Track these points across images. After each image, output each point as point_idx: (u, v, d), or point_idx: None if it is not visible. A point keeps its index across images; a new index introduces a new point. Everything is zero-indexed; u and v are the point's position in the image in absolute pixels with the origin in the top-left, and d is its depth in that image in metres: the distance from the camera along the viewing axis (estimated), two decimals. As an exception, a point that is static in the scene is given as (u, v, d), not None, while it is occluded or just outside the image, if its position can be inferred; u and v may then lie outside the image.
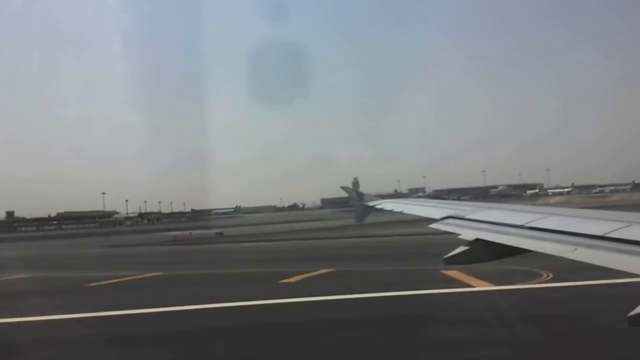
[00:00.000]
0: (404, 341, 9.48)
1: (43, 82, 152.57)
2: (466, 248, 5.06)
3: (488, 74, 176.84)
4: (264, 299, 13.21)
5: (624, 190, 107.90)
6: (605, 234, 3.77)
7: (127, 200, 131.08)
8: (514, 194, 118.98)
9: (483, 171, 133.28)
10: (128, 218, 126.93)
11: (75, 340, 10.69)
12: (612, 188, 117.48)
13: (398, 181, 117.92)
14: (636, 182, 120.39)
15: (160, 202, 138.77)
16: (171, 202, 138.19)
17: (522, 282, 13.60)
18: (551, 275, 14.27)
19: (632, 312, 3.06)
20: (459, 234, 5.38)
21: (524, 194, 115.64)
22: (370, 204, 10.99)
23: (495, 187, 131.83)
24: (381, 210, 10.43)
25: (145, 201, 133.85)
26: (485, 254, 4.93)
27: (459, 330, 9.65)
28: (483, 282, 14.25)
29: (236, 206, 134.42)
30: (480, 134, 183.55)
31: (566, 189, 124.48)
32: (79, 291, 19.01)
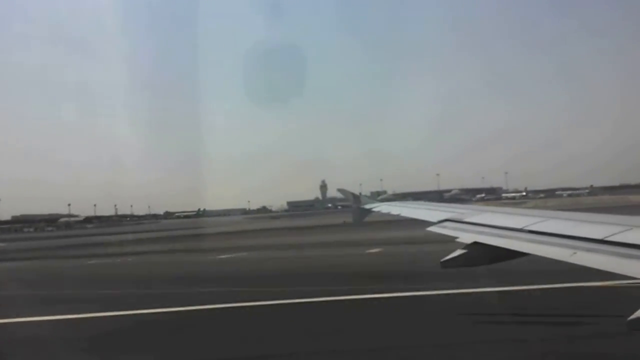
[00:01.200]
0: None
1: (39, 82, 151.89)
2: (464, 251, 5.04)
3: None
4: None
5: (581, 194, 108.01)
6: (604, 237, 3.76)
7: (69, 204, 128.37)
8: (465, 198, 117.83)
9: (437, 174, 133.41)
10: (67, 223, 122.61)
11: None
12: (570, 192, 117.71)
13: (360, 184, 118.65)
14: (594, 186, 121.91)
15: (131, 206, 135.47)
16: (115, 205, 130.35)
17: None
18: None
19: (632, 316, 3.04)
20: (457, 237, 5.36)
21: (473, 199, 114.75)
22: (367, 206, 10.97)
23: (449, 190, 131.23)
24: (378, 212, 10.41)
25: (95, 204, 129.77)
26: (483, 257, 4.92)
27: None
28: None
29: (198, 209, 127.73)
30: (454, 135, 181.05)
31: (520, 193, 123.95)
32: None
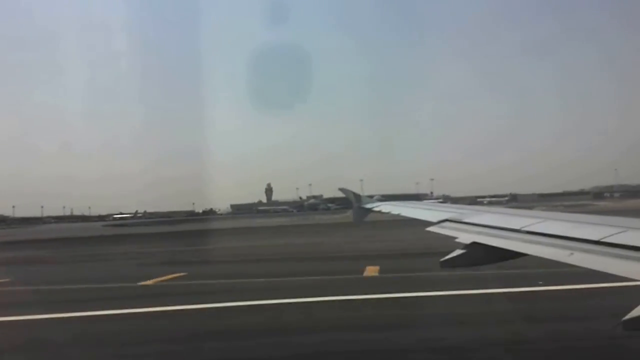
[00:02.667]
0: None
1: (40, 77, 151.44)
2: (463, 251, 5.10)
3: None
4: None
5: (501, 203, 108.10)
6: (601, 238, 3.81)
7: (13, 206, 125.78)
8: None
9: (361, 180, 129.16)
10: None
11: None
12: (489, 199, 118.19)
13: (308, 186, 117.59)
14: (513, 193, 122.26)
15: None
16: (64, 207, 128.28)
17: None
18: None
19: (627, 316, 3.09)
20: (456, 237, 5.42)
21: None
22: (368, 206, 11.02)
23: (372, 196, 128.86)
24: (378, 212, 10.47)
25: (42, 206, 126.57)
26: (482, 257, 4.97)
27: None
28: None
29: (136, 211, 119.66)
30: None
31: (438, 200, 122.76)
32: None
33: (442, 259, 5.16)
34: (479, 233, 5.22)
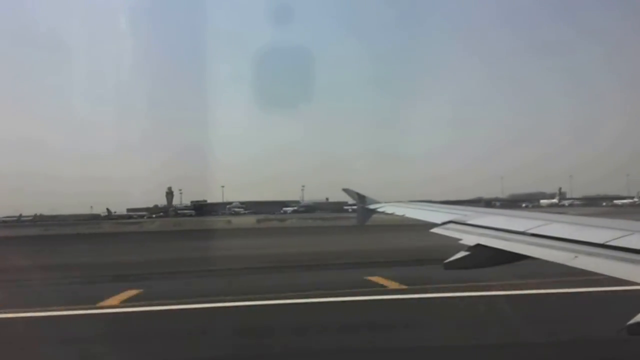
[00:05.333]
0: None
1: (41, 76, 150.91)
2: (467, 253, 5.09)
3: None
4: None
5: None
6: (606, 242, 3.80)
7: None
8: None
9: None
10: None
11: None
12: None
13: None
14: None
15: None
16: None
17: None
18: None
19: (632, 321, 3.07)
20: (460, 239, 5.41)
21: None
22: (372, 206, 11.00)
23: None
24: (382, 213, 10.46)
25: None
26: (486, 259, 4.97)
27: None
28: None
29: (35, 214, 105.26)
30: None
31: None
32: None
33: (446, 261, 5.16)
34: (483, 235, 5.22)
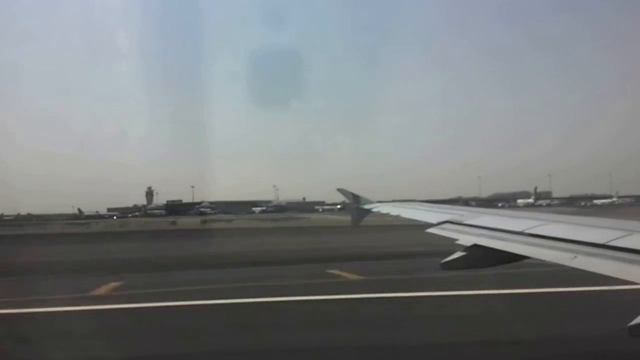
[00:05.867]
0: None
1: (36, 76, 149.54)
2: (463, 254, 5.03)
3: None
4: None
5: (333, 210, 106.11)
6: (606, 242, 3.75)
7: None
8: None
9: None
10: None
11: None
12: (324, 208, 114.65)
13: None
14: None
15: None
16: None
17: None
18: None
19: (633, 322, 3.03)
20: (457, 239, 5.35)
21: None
22: (366, 207, 10.94)
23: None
24: (377, 213, 10.39)
25: None
26: (482, 259, 4.91)
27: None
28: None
29: (17, 213, 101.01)
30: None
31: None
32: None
33: (443, 261, 5.09)
34: (480, 235, 5.16)
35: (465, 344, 8.74)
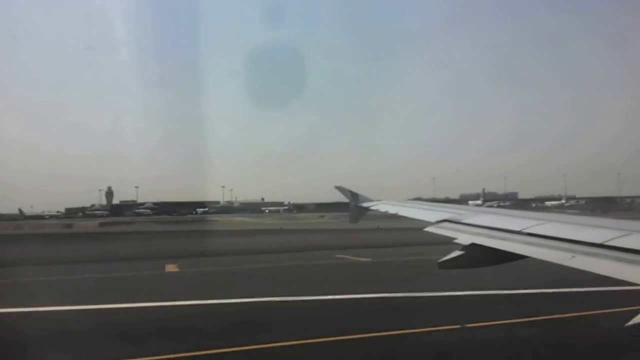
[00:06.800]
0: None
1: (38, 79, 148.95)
2: (461, 253, 5.00)
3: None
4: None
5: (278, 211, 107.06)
6: (604, 242, 3.74)
7: None
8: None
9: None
10: None
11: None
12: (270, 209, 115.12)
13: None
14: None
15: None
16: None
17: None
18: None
19: (630, 322, 3.02)
20: (455, 238, 5.32)
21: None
22: (365, 205, 10.90)
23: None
24: (376, 211, 10.36)
25: None
26: (481, 259, 4.88)
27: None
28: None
29: None
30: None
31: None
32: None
33: (440, 260, 5.07)
34: (478, 234, 5.13)
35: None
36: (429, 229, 6.30)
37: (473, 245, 4.95)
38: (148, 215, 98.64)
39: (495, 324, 10.04)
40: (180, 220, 77.30)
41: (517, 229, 4.75)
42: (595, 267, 3.59)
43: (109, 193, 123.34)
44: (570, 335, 9.30)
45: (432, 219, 6.46)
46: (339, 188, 12.23)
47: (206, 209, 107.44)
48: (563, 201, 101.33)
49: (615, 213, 60.79)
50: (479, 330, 9.66)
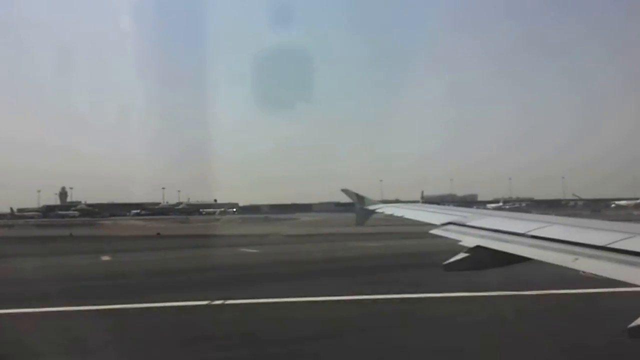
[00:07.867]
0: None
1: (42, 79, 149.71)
2: (466, 255, 5.05)
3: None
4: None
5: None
6: (608, 244, 3.77)
7: None
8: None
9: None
10: None
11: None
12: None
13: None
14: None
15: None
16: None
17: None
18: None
19: (633, 324, 3.05)
20: (460, 240, 5.37)
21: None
22: (371, 207, 10.96)
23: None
24: (381, 214, 10.40)
25: None
26: (486, 261, 4.93)
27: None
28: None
29: None
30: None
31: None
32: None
33: (446, 262, 5.11)
34: (483, 237, 5.18)
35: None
36: (434, 231, 6.35)
37: (478, 247, 5.00)
38: (74, 217, 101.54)
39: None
40: (73, 223, 77.88)
41: (522, 231, 4.79)
42: (598, 270, 3.62)
43: (63, 194, 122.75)
44: (571, 337, 9.28)
45: (437, 222, 6.51)
46: (345, 191, 12.28)
47: (138, 211, 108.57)
48: (501, 204, 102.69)
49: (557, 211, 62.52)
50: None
